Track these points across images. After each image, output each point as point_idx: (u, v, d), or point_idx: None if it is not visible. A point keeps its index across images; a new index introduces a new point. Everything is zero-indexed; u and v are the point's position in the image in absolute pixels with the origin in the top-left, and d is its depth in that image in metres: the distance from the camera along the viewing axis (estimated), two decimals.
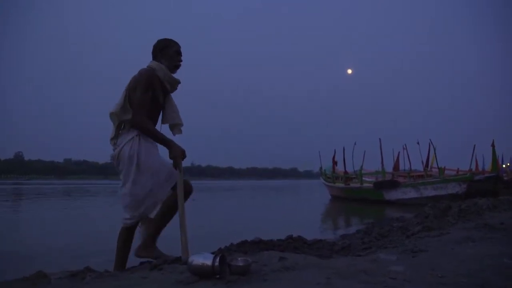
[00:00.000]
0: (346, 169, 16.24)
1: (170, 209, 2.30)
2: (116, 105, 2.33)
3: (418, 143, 15.19)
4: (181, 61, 2.50)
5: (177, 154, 2.26)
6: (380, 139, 15.08)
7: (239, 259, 1.83)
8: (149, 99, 2.31)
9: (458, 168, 15.81)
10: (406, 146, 15.94)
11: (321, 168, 18.52)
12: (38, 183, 40.44)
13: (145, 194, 2.27)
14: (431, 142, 15.02)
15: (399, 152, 16.38)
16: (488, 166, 16.53)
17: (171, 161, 2.28)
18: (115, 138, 2.36)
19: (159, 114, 2.50)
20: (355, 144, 16.12)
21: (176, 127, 2.56)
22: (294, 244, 3.16)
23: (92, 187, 29.72)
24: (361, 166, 15.05)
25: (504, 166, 22.00)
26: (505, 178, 16.93)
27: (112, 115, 2.33)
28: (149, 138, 2.33)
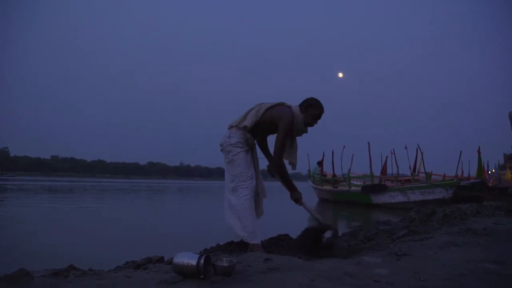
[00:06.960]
0: (335, 172, 16.35)
1: None
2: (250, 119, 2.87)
3: (406, 147, 15.39)
4: (315, 124, 2.94)
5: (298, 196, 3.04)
6: (369, 143, 15.24)
7: (224, 259, 1.83)
8: (287, 143, 2.87)
9: (444, 174, 16.02)
10: (394, 150, 16.14)
11: (309, 170, 18.60)
12: (23, 179, 39.78)
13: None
14: (419, 147, 15.21)
15: (387, 156, 16.58)
16: (474, 172, 16.80)
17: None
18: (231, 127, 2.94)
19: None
20: (344, 147, 16.27)
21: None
22: (281, 244, 3.17)
23: (78, 185, 29.35)
24: (349, 170, 15.15)
25: (489, 172, 22.38)
26: (490, 184, 17.24)
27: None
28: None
